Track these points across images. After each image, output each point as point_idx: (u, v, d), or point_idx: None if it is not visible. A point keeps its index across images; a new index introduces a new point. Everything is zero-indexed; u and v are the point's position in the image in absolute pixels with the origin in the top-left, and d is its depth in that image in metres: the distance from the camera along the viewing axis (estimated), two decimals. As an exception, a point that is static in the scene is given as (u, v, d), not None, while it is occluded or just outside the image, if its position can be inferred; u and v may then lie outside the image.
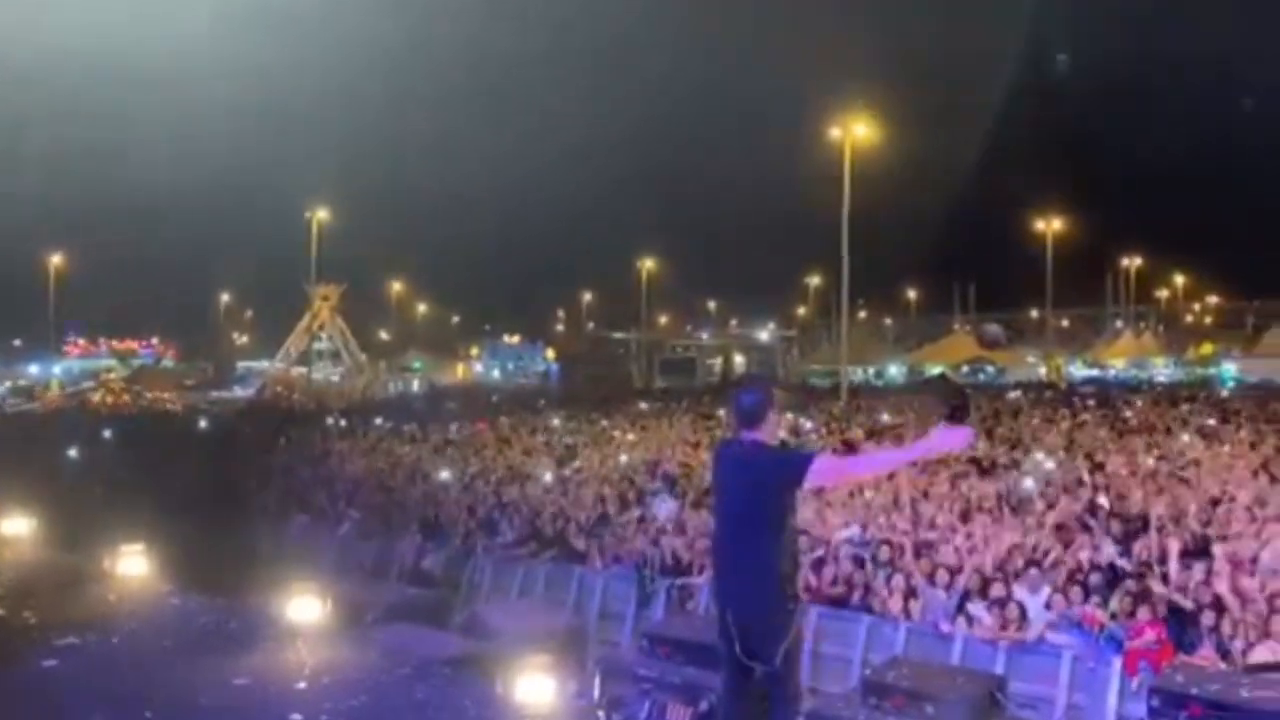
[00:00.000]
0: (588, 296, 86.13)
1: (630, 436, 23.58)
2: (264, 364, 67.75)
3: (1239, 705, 4.75)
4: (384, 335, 77.47)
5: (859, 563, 9.70)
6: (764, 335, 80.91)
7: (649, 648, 6.47)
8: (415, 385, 62.51)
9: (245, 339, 79.73)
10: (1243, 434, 19.63)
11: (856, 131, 41.19)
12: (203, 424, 32.87)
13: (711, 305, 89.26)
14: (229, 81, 58.87)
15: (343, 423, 31.21)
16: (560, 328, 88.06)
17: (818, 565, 9.63)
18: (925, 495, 12.58)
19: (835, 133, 41.37)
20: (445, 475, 17.14)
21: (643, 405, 36.81)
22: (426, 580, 11.92)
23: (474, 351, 78.41)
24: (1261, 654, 7.15)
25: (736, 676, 4.71)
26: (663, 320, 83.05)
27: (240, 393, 56.49)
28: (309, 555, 12.72)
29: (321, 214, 58.63)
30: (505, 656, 5.61)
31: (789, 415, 28.89)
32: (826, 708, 5.95)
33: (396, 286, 76.54)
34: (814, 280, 79.66)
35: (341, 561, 13.15)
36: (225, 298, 78.03)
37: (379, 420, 30.72)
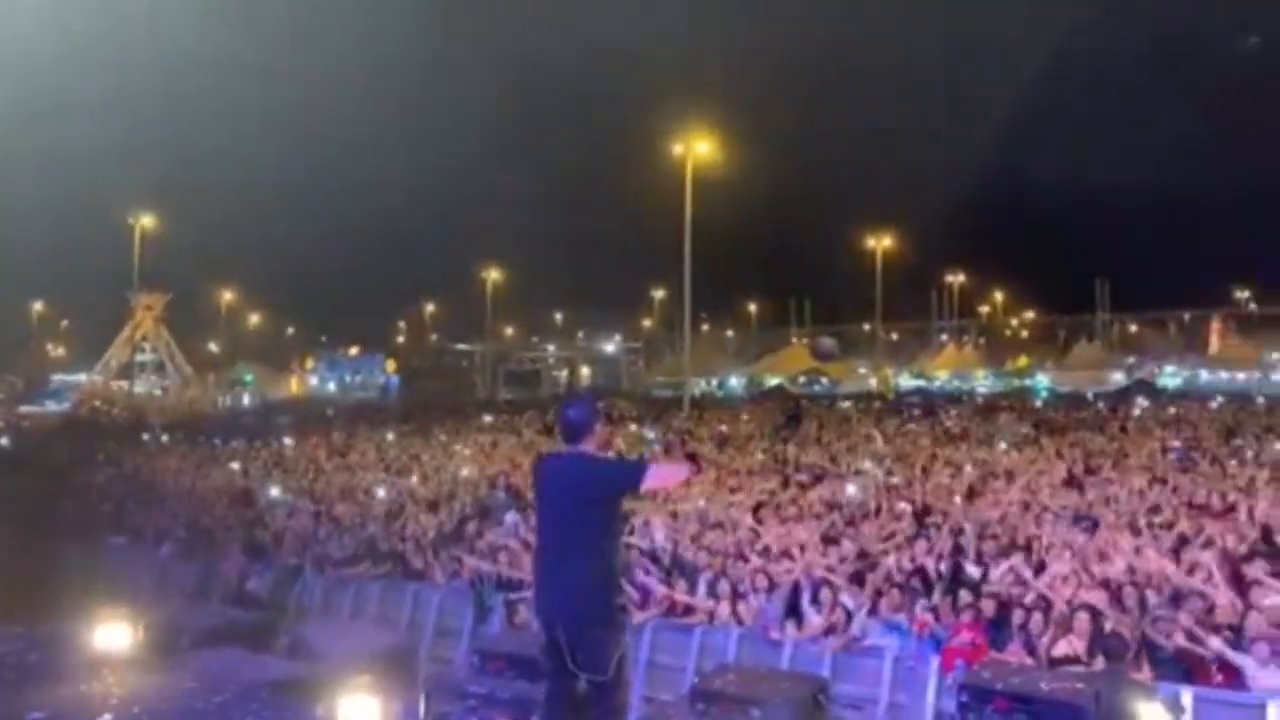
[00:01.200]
0: (430, 307, 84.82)
1: (466, 450, 23.31)
2: (81, 377, 63.82)
3: (1038, 697, 5.02)
4: (213, 347, 74.20)
5: (683, 571, 9.85)
6: (610, 347, 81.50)
7: (480, 664, 6.39)
8: (245, 399, 60.05)
9: (61, 350, 74.96)
10: (1048, 442, 20.94)
11: (698, 148, 42.00)
12: (2, 441, 30.66)
13: (558, 317, 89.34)
14: (47, 79, 55.26)
15: (165, 438, 29.73)
16: (401, 339, 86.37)
17: (647, 575, 9.72)
18: (759, 505, 12.89)
19: (678, 149, 42.09)
20: (274, 493, 16.51)
21: (487, 418, 36.43)
22: (251, 602, 11.42)
23: (309, 364, 75.95)
24: (1063, 649, 7.62)
25: (562, 689, 4.71)
26: (508, 332, 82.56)
27: (54, 407, 52.97)
28: (125, 579, 12.02)
29: (145, 220, 55.72)
30: (329, 678, 5.43)
31: (632, 427, 29.22)
32: (658, 716, 6.01)
33: (227, 296, 73.46)
34: (659, 293, 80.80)
35: (161, 585, 12.47)
36: (38, 306, 73.28)
37: (205, 436, 29.39)
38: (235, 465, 21.63)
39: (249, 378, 64.86)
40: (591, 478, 4.79)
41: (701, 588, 9.54)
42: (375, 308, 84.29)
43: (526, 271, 73.86)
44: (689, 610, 9.31)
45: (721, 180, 47.00)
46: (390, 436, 28.13)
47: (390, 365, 72.79)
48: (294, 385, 70.01)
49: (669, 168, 42.74)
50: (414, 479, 18.33)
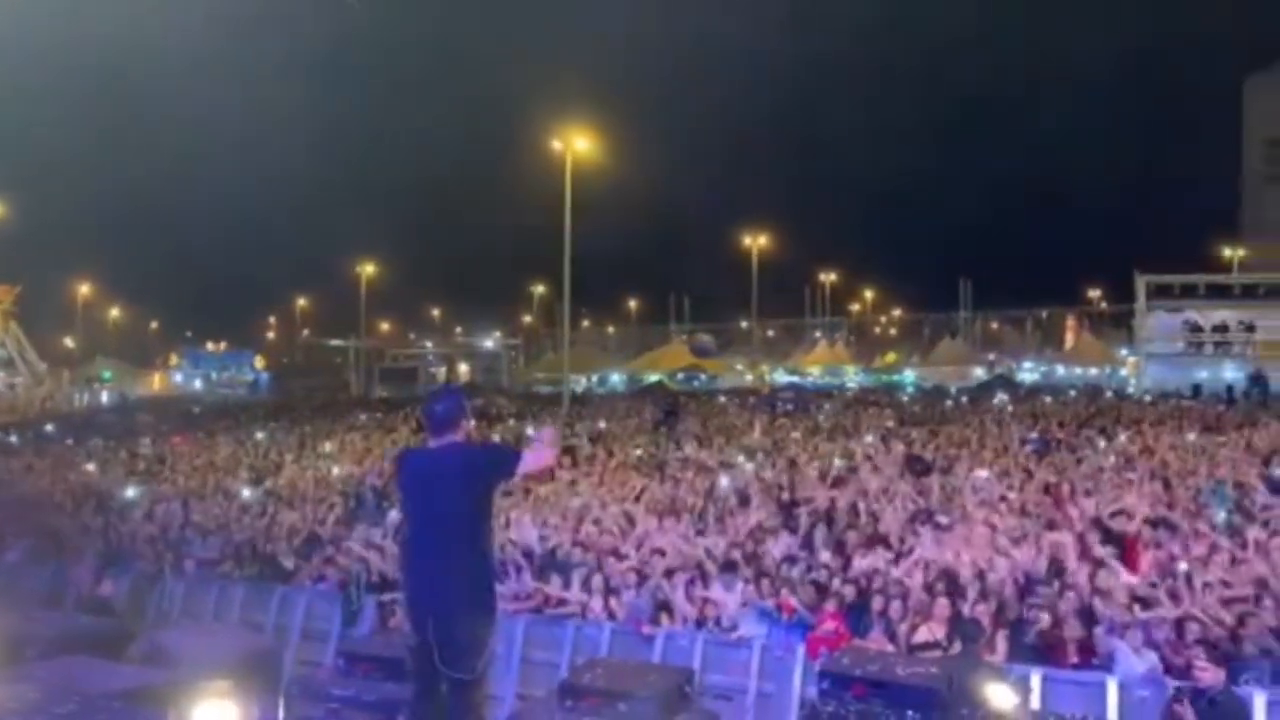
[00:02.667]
0: (302, 302, 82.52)
1: (338, 449, 22.79)
2: (-81, 374, 59.83)
3: (894, 682, 5.17)
4: (68, 342, 70.55)
5: (557, 567, 9.87)
6: (489, 343, 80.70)
7: (345, 666, 6.26)
8: (104, 397, 57.29)
9: (-103, 346, 70.08)
10: (914, 435, 21.66)
11: (578, 144, 41.96)
12: None
13: (435, 313, 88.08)
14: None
15: (14, 438, 28.16)
16: (271, 335, 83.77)
17: (519, 571, 9.71)
18: (635, 500, 12.98)
19: (557, 144, 41.97)
20: (131, 494, 15.83)
21: (361, 416, 35.64)
22: (106, 608, 10.92)
23: (173, 360, 72.95)
24: (923, 635, 7.92)
25: (427, 688, 4.67)
26: (383, 327, 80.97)
27: (-112, 406, 49.54)
28: (-35, 587, 11.33)
29: (-8, 208, 52.59)
30: (185, 685, 5.24)
31: (512, 422, 29.02)
32: (526, 713, 6.00)
33: (83, 289, 69.95)
34: (539, 289, 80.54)
35: (8, 592, 11.80)
36: None
37: (59, 435, 27.95)
38: (91, 466, 20.67)
39: (107, 374, 61.91)
40: (472, 466, 4.76)
41: (576, 583, 9.57)
42: (244, 302, 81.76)
43: (403, 266, 72.75)
44: (563, 605, 9.32)
45: (602, 176, 47.18)
46: (259, 435, 27.26)
47: (259, 361, 70.54)
48: (157, 382, 67.14)
49: (549, 163, 42.63)
50: (282, 478, 17.83)
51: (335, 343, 75.75)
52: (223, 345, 76.13)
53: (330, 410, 39.71)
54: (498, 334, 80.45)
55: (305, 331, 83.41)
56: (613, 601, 9.10)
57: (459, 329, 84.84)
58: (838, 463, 16.84)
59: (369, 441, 23.98)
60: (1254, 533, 9.81)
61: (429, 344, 79.95)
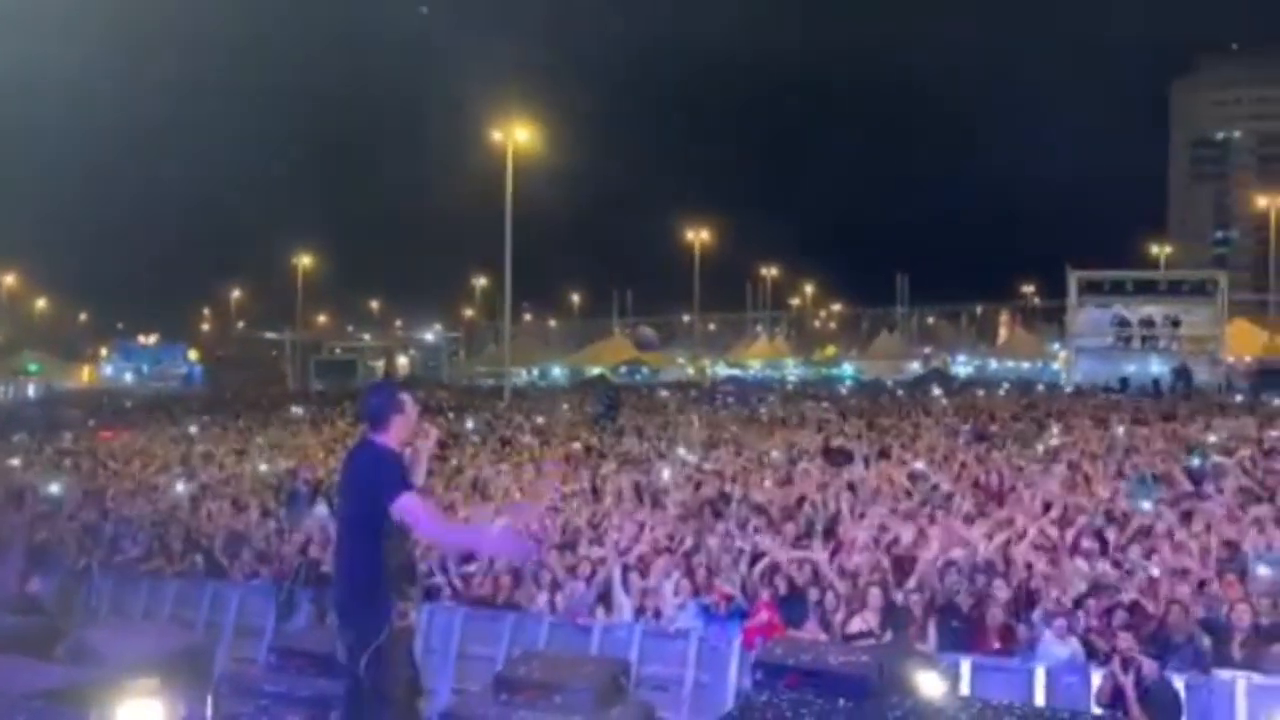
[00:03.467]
0: (236, 293, 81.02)
1: (273, 443, 22.46)
2: None
3: (826, 670, 5.24)
4: (-8, 334, 68.47)
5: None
6: (429, 336, 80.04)
7: (278, 662, 6.19)
8: (30, 390, 55.72)
9: None
10: (851, 427, 21.96)
11: (519, 136, 41.72)
12: None
13: (374, 305, 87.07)
14: None
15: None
16: (205, 327, 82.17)
17: (462, 565, 9.67)
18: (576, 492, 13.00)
19: (498, 135, 41.69)
20: (57, 489, 15.44)
21: (297, 410, 35.12)
22: (33, 606, 10.65)
23: (103, 353, 71.17)
24: (856, 625, 8.04)
25: (345, 680, 4.72)
26: (321, 320, 79.84)
27: None
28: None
29: (-90, 194, 50.81)
30: (111, 683, 5.14)
31: (452, 415, 28.82)
32: (460, 707, 5.99)
33: (8, 279, 67.89)
34: (480, 281, 79.99)
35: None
36: None
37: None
38: (15, 461, 20.11)
39: (34, 367, 60.21)
40: (363, 474, 4.71)
41: (527, 577, 9.52)
42: (177, 294, 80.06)
43: (341, 257, 71.79)
44: (515, 591, 9.28)
45: (544, 169, 47.01)
46: (192, 429, 26.74)
47: (193, 354, 69.13)
48: (86, 375, 65.47)
49: (491, 155, 42.33)
50: (215, 473, 17.53)
51: (271, 335, 74.59)
52: (154, 338, 74.41)
53: (265, 404, 39.08)
54: (438, 327, 79.81)
55: (240, 324, 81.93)
56: (556, 595, 9.09)
57: (398, 321, 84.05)
58: (775, 455, 17.03)
59: (304, 435, 23.68)
60: (1174, 523, 10.12)
61: (367, 336, 79.05)
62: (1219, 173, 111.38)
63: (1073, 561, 9.10)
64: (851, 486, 12.62)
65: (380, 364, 71.66)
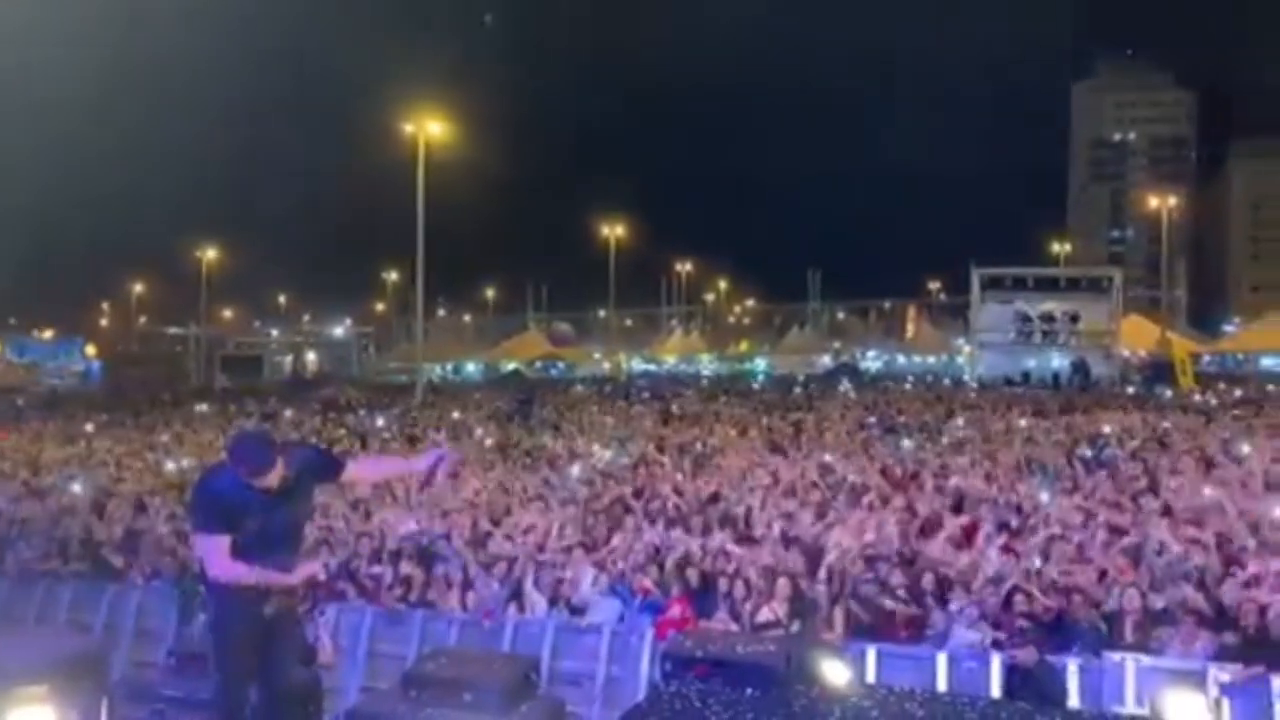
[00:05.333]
0: (138, 287, 78.40)
1: (175, 441, 21.84)
2: None
3: (734, 661, 5.29)
4: (-127, 329, 65.21)
5: (421, 559, 9.73)
6: (339, 331, 78.67)
7: (177, 665, 6.02)
8: (-84, 387, 53.13)
9: None
10: (766, 422, 22.25)
11: (431, 129, 41.18)
12: None
13: (282, 299, 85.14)
14: None
15: None
16: (105, 322, 79.39)
17: (373, 564, 9.55)
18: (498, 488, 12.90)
19: (409, 128, 41.10)
20: (-58, 491, 14.77)
21: (201, 407, 34.18)
22: (-83, 614, 10.19)
23: (-5, 348, 68.22)
24: (765, 615, 8.15)
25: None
26: (226, 315, 77.81)
27: None
28: None
29: None
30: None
31: (362, 413, 28.37)
32: (368, 705, 5.91)
33: (-109, 272, 64.64)
34: (392, 275, 78.90)
35: None
36: None
37: None
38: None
39: (-80, 363, 57.58)
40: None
41: (438, 573, 9.44)
42: (74, 289, 77.14)
43: (248, 250, 70.00)
44: (427, 589, 9.19)
45: (458, 163, 46.49)
46: (89, 427, 25.84)
47: (91, 350, 66.71)
48: (-25, 372, 62.71)
49: (404, 148, 41.68)
50: (113, 472, 16.96)
51: (175, 331, 72.42)
52: (49, 333, 71.58)
53: (168, 401, 37.96)
54: (348, 322, 78.48)
55: (142, 319, 79.34)
56: (468, 593, 9.02)
57: (307, 317, 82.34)
58: (698, 446, 17.18)
59: (208, 433, 23.07)
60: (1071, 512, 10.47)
61: (275, 332, 77.25)
62: (1116, 173, 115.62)
63: (977, 550, 9.35)
64: (769, 478, 12.78)
65: (287, 360, 70.18)
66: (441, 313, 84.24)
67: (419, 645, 8.59)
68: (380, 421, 25.29)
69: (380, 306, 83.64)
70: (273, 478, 4.57)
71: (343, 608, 8.95)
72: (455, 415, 26.47)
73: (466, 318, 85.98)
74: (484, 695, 5.28)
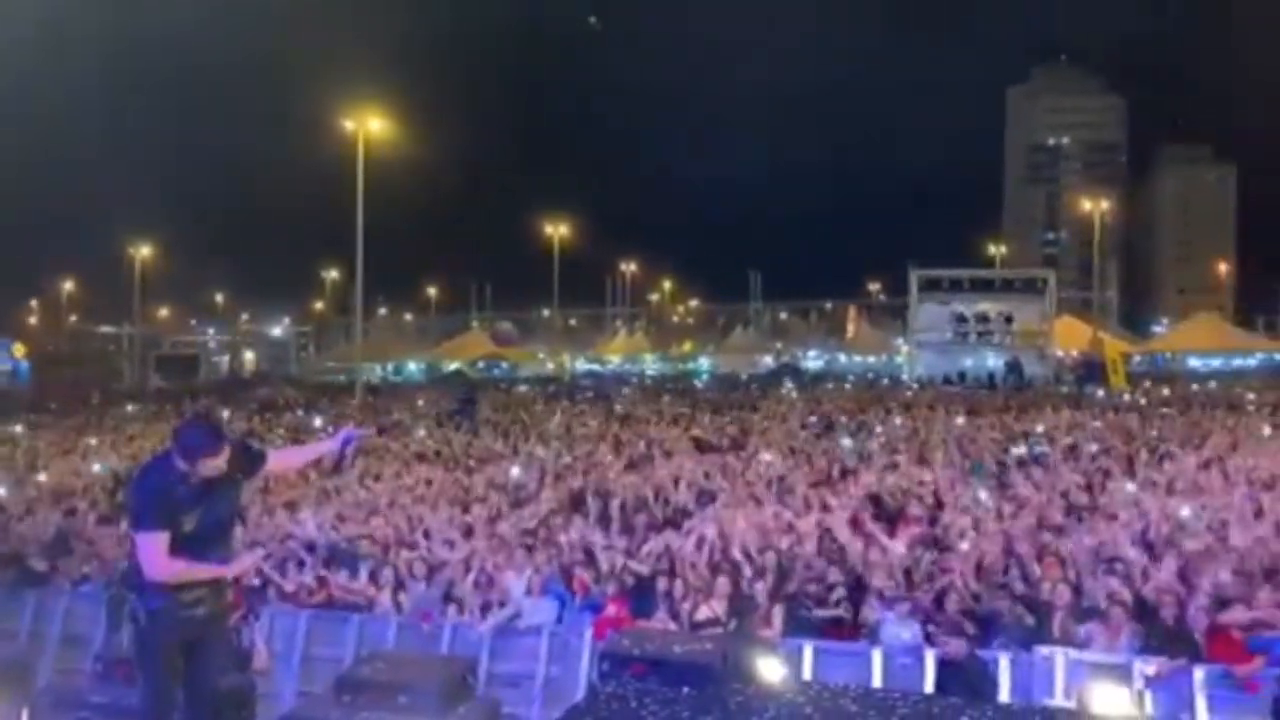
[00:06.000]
0: (69, 285, 76.41)
1: (95, 441, 21.35)
2: None
3: (671, 659, 5.32)
4: None
5: (343, 561, 9.63)
6: (278, 331, 77.51)
7: (104, 671, 5.89)
8: None
9: None
10: (708, 420, 22.38)
11: (372, 125, 40.72)
12: None
13: (219, 298, 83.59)
14: None
15: None
16: (34, 320, 77.26)
17: (301, 566, 9.43)
18: (429, 486, 12.81)
19: (349, 124, 40.59)
20: None
21: (134, 408, 33.43)
22: None
23: (-83, 347, 66.02)
24: (703, 613, 8.19)
25: None
26: (162, 314, 76.19)
27: None
28: None
29: None
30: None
31: (300, 413, 27.96)
32: (303, 710, 5.84)
33: None
34: (331, 274, 77.87)
35: None
36: None
37: None
38: None
39: None
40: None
41: (364, 575, 9.36)
42: (1, 285, 74.88)
43: (184, 248, 68.59)
44: (350, 594, 9.10)
45: (400, 160, 46.03)
46: (16, 428, 25.13)
47: (19, 349, 64.83)
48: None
49: (345, 144, 41.13)
50: (42, 475, 16.53)
51: (107, 330, 70.74)
52: (-26, 332, 69.47)
53: (100, 402, 37.08)
54: (287, 321, 77.32)
55: (73, 317, 77.37)
56: (401, 595, 8.95)
57: (245, 315, 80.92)
58: (641, 446, 17.20)
59: (142, 435, 22.57)
60: (1003, 507, 10.69)
61: (212, 331, 75.83)
62: (1050, 177, 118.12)
63: (910, 547, 9.50)
64: (706, 477, 12.85)
65: (225, 360, 68.96)
66: (382, 312, 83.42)
67: (356, 648, 8.51)
68: (319, 422, 24.95)
69: (320, 305, 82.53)
70: (217, 465, 4.54)
71: (277, 611, 8.83)
72: (395, 416, 26.21)
73: (408, 317, 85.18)
74: (419, 698, 5.24)
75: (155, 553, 4.49)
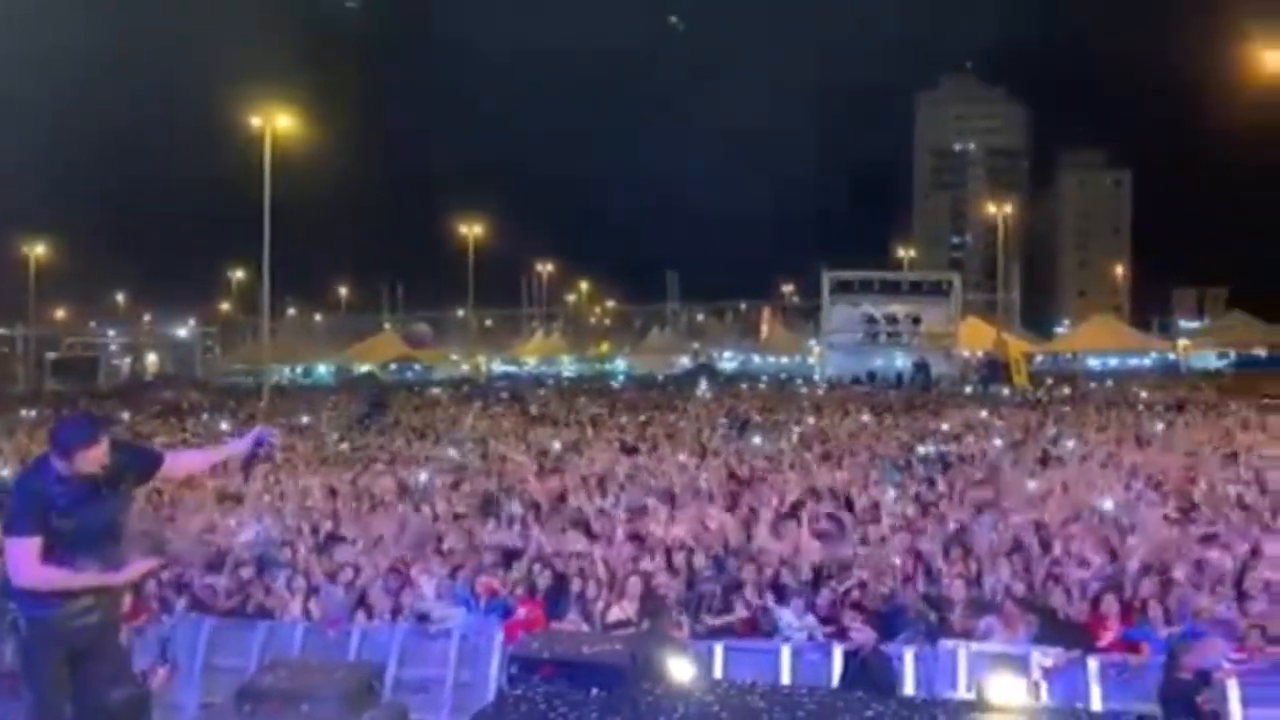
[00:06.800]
0: (-43, 285, 73.09)
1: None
2: None
3: (580, 661, 5.31)
4: None
5: (259, 567, 9.42)
6: (182, 332, 75.27)
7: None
8: None
9: None
10: (624, 420, 22.45)
11: (280, 122, 39.88)
12: None
13: (120, 298, 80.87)
14: None
15: None
16: (-83, 321, 73.72)
17: (210, 573, 9.20)
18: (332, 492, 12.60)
19: (257, 121, 39.69)
20: None
21: (27, 412, 32.12)
22: None
23: None
24: (615, 614, 8.22)
25: None
26: (58, 314, 73.42)
27: None
28: None
29: None
30: None
31: (205, 417, 27.21)
32: (203, 721, 5.70)
33: None
34: (238, 273, 75.98)
35: None
36: None
37: None
38: None
39: None
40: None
41: (280, 582, 9.14)
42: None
43: (82, 246, 66.09)
44: (268, 598, 8.89)
45: (310, 157, 45.15)
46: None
47: (-97, 352, 61.92)
48: None
49: (253, 141, 40.17)
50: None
51: (-1, 331, 67.86)
52: None
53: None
54: (191, 322, 75.13)
55: (-40, 318, 74.07)
56: (311, 602, 8.78)
57: (147, 316, 78.36)
58: (556, 445, 17.16)
59: (33, 441, 21.72)
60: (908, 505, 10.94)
61: (112, 332, 73.28)
62: (957, 182, 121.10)
63: (816, 543, 9.66)
64: (621, 477, 12.88)
65: (126, 362, 66.78)
66: (291, 312, 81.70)
67: (260, 657, 8.32)
68: (225, 425, 24.34)
69: (226, 306, 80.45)
70: (96, 459, 4.34)
71: (179, 620, 8.59)
72: (304, 419, 25.70)
73: (318, 318, 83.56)
74: (322, 705, 5.13)
75: (22, 559, 4.27)
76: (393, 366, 60.95)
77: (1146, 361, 53.76)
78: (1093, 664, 7.30)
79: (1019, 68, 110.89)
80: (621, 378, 53.04)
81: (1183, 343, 58.79)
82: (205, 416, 27.45)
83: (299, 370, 62.35)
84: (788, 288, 77.79)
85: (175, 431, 23.35)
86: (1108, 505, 10.67)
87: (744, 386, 39.45)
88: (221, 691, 7.96)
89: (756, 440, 17.67)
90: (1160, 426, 19.22)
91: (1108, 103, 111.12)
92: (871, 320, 47.86)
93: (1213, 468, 13.56)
